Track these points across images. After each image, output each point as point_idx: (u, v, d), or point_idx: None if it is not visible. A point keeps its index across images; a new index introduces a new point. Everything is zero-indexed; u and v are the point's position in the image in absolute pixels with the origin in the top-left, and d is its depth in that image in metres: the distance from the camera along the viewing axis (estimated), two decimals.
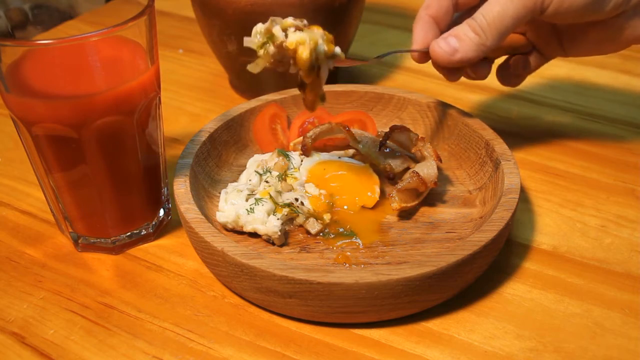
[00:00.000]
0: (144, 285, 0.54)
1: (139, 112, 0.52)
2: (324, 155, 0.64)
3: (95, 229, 0.56)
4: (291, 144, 0.65)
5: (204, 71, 0.88)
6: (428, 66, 0.88)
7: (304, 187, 0.60)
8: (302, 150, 0.63)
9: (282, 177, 0.60)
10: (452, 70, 0.61)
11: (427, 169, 0.58)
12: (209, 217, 0.55)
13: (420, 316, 0.50)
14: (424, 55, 0.61)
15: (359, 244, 0.55)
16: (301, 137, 0.64)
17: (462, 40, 0.57)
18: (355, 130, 0.66)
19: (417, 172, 0.58)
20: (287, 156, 0.62)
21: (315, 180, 0.61)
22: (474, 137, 0.63)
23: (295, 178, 0.61)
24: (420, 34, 0.61)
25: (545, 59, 0.67)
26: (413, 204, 0.58)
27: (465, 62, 0.58)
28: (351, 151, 0.66)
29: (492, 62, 0.64)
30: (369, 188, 0.60)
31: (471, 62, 0.59)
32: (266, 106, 0.67)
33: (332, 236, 0.56)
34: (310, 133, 0.63)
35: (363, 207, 0.59)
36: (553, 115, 0.77)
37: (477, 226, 0.56)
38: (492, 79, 0.87)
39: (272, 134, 0.67)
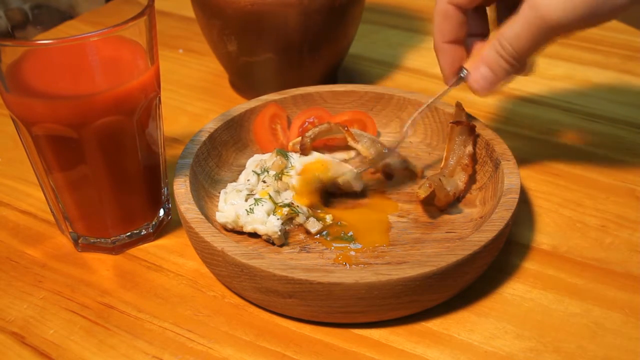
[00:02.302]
0: (144, 285, 0.54)
1: (139, 112, 0.52)
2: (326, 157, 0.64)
3: (95, 229, 0.56)
4: (290, 144, 0.65)
5: (204, 71, 0.88)
6: (428, 66, 0.88)
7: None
8: (300, 150, 0.63)
9: (279, 176, 0.59)
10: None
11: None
12: (209, 217, 0.55)
13: (420, 316, 0.50)
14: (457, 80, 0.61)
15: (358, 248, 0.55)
16: (300, 137, 0.64)
17: (495, 72, 0.57)
18: (355, 130, 0.66)
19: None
20: (285, 156, 0.61)
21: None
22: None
23: (291, 176, 0.60)
24: (447, 64, 0.60)
25: None
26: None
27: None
28: (353, 152, 0.66)
29: None
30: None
31: None
32: (266, 106, 0.67)
33: (329, 239, 0.56)
34: (309, 133, 0.63)
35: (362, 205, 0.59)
36: (553, 115, 0.77)
37: (477, 226, 0.56)
38: None
39: (272, 134, 0.67)
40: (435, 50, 0.61)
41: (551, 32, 0.53)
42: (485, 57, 0.57)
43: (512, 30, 0.54)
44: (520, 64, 0.56)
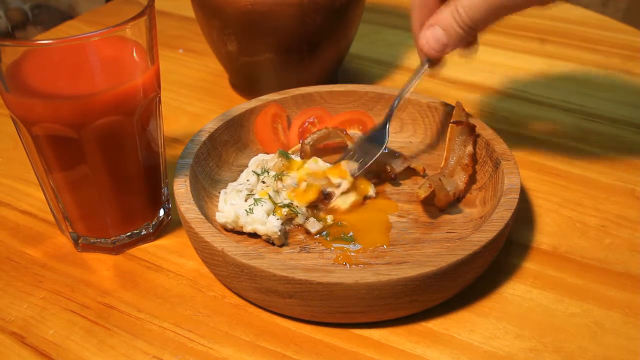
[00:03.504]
0: (144, 285, 0.54)
1: (139, 112, 0.52)
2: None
3: (95, 229, 0.56)
4: (290, 152, 0.65)
5: (204, 71, 0.88)
6: None
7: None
8: (301, 157, 0.63)
9: (279, 177, 0.59)
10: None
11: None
12: (209, 217, 0.55)
13: (420, 316, 0.50)
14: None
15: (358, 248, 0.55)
16: (300, 144, 0.64)
17: (449, 35, 0.56)
18: (354, 132, 0.66)
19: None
20: (288, 157, 0.61)
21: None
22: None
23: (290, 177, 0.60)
24: (418, 24, 0.60)
25: None
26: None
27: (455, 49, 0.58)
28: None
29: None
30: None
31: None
32: (267, 106, 0.67)
33: (329, 239, 0.56)
34: (308, 139, 0.63)
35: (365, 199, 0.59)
36: (553, 115, 0.77)
37: (477, 226, 0.56)
38: (491, 79, 0.87)
39: (274, 134, 0.67)
40: (413, 35, 0.60)
41: (503, 6, 0.53)
42: (440, 18, 0.57)
43: (469, 1, 0.54)
44: (472, 33, 0.56)
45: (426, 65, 0.61)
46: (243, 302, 0.52)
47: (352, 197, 0.59)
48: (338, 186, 0.59)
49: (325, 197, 0.59)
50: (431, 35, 0.57)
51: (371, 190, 0.60)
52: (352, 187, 0.59)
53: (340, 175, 0.59)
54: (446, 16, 0.56)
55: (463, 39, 0.57)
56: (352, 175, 0.60)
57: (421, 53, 0.61)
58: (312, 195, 0.58)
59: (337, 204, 0.59)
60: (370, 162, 0.61)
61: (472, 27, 0.56)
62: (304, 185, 0.58)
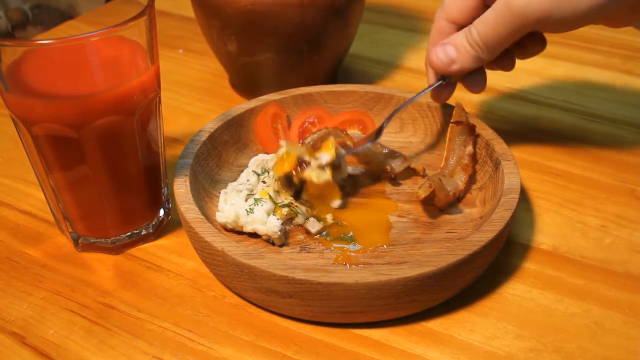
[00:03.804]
0: (144, 285, 0.54)
1: (139, 112, 0.52)
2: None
3: (95, 229, 0.56)
4: None
5: (204, 71, 0.88)
6: None
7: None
8: None
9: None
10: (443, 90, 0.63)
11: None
12: (209, 217, 0.55)
13: (420, 316, 0.50)
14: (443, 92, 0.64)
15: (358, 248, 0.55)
16: (300, 144, 0.64)
17: (459, 52, 0.58)
18: (354, 132, 0.66)
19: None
20: None
21: None
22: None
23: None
24: (434, 78, 0.62)
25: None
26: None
27: (463, 72, 0.60)
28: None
29: (485, 72, 0.64)
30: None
31: (468, 71, 0.60)
32: (267, 106, 0.67)
33: (329, 239, 0.56)
34: (308, 140, 0.63)
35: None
36: (553, 115, 0.77)
37: (477, 226, 0.56)
38: (491, 79, 0.87)
39: (274, 134, 0.67)
40: (425, 63, 0.63)
41: (516, 23, 0.54)
42: (454, 36, 0.59)
43: (482, 18, 0.56)
44: (484, 52, 0.57)
45: (435, 84, 0.62)
46: (243, 302, 0.52)
47: (326, 175, 0.58)
48: (318, 159, 0.58)
49: (300, 165, 0.58)
50: (441, 50, 0.59)
51: (338, 202, 0.59)
52: (331, 169, 0.58)
53: (324, 149, 0.58)
54: (459, 35, 0.58)
55: (473, 58, 0.58)
56: (338, 153, 0.59)
57: (430, 70, 0.62)
58: (288, 164, 0.57)
59: (309, 175, 0.57)
60: (358, 150, 0.62)
61: (482, 48, 0.57)
62: (282, 151, 0.58)
